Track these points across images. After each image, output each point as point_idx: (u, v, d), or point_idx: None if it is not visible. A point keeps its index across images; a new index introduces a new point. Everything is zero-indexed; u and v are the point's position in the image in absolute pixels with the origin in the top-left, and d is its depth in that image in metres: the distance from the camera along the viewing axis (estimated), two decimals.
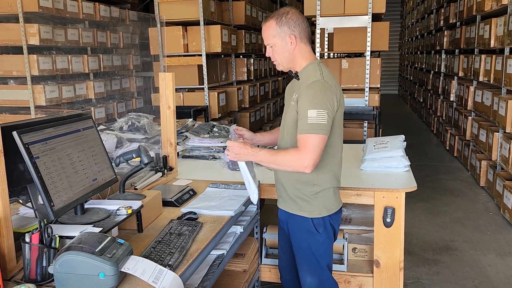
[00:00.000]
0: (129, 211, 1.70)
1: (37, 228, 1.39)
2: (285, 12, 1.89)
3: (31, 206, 1.65)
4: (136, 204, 1.77)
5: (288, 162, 1.84)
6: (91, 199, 1.81)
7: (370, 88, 4.70)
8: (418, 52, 10.65)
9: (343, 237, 2.61)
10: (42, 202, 1.52)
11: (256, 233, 2.63)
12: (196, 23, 4.93)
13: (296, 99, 1.88)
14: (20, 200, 1.67)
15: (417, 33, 10.82)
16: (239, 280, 2.35)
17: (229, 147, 1.93)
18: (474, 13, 5.51)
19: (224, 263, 2.00)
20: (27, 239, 1.37)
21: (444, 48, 7.43)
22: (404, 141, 2.76)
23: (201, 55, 4.99)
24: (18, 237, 1.43)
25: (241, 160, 1.94)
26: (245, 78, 6.25)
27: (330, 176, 1.96)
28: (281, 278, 2.28)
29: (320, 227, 1.96)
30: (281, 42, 1.89)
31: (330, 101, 1.81)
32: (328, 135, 1.82)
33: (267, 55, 1.96)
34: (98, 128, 3.08)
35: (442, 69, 7.67)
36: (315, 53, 4.78)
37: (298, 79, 1.94)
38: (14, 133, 1.43)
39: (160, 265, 1.43)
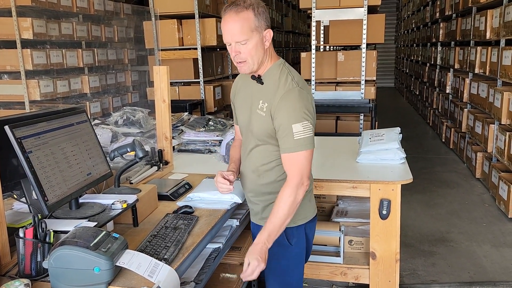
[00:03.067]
0: (124, 205, 1.69)
1: (31, 223, 1.38)
2: (255, 2, 1.63)
3: (25, 201, 1.64)
4: (131, 198, 1.76)
5: (291, 203, 1.61)
6: (86, 193, 1.80)
7: (366, 80, 4.70)
8: (414, 45, 10.64)
9: (340, 230, 2.61)
10: (36, 197, 1.51)
11: None
12: (191, 16, 4.90)
13: (268, 110, 1.66)
14: (14, 195, 1.66)
15: (413, 26, 10.80)
16: (235, 273, 2.35)
17: (250, 269, 1.57)
18: (470, 5, 5.50)
19: (220, 256, 2.00)
20: (21, 234, 1.36)
21: (440, 40, 7.42)
22: (400, 133, 2.76)
23: (196, 48, 4.97)
24: (12, 232, 1.42)
25: (265, 259, 1.59)
26: None
27: None
28: None
29: (293, 238, 1.77)
30: (258, 37, 1.62)
31: (310, 109, 1.65)
32: (314, 146, 1.67)
33: (234, 53, 1.64)
34: (93, 123, 3.06)
35: (438, 61, 7.67)
36: (310, 46, 4.80)
37: (262, 83, 1.70)
38: (6, 128, 1.42)
39: (156, 259, 1.43)
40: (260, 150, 1.75)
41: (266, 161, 1.74)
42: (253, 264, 1.56)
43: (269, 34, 1.65)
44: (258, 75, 1.72)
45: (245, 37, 1.60)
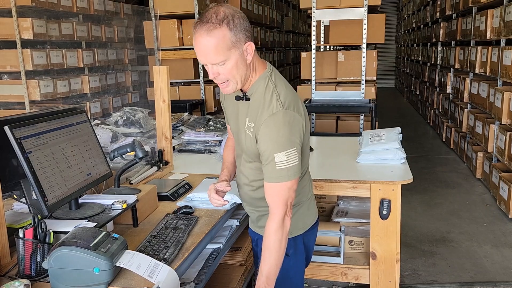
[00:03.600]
0: (124, 206, 1.69)
1: (31, 224, 1.38)
2: (229, 13, 1.42)
3: (25, 201, 1.64)
4: (131, 199, 1.76)
5: (280, 239, 1.50)
6: (86, 193, 1.80)
7: (366, 80, 4.70)
8: (415, 45, 10.63)
9: (340, 230, 2.61)
10: (36, 197, 1.51)
11: None
12: (191, 16, 4.90)
13: (253, 130, 1.53)
14: (14, 195, 1.66)
15: (414, 25, 10.80)
16: (236, 273, 2.35)
17: None
18: (470, 5, 5.50)
19: (220, 256, 2.00)
20: (21, 235, 1.36)
21: (441, 40, 7.42)
22: (400, 133, 2.76)
23: None
24: (12, 232, 1.42)
25: None
26: None
27: (303, 192, 1.71)
28: None
29: (290, 249, 1.65)
30: (238, 54, 1.44)
31: (297, 133, 1.49)
32: (300, 172, 1.54)
33: (212, 75, 1.48)
34: (93, 123, 3.06)
35: (439, 61, 7.66)
36: (310, 46, 4.79)
37: (249, 100, 1.56)
38: (6, 128, 1.42)
39: (156, 259, 1.42)
40: (252, 167, 1.64)
41: (258, 178, 1.63)
42: None
43: (250, 47, 1.46)
44: (244, 93, 1.56)
45: (222, 58, 1.42)
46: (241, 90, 1.58)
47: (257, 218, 1.76)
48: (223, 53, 1.41)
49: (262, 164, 1.53)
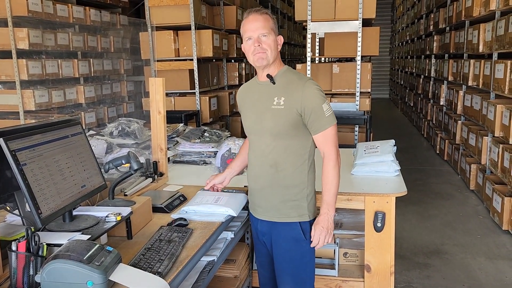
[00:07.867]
0: (118, 218, 1.68)
1: (24, 236, 1.37)
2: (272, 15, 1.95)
3: (18, 214, 1.63)
4: (125, 211, 1.75)
5: (338, 172, 1.93)
6: (80, 205, 1.79)
7: (361, 92, 4.73)
8: (409, 57, 10.74)
9: (334, 242, 2.61)
10: (29, 209, 1.50)
11: (247, 238, 2.62)
12: (187, 28, 4.93)
13: (288, 102, 1.86)
14: (7, 207, 1.64)
15: (408, 38, 10.91)
16: (230, 286, 2.34)
17: (316, 236, 1.90)
18: (463, 19, 5.58)
19: (214, 269, 1.99)
20: (14, 248, 1.35)
21: (434, 52, 7.50)
22: (394, 145, 2.78)
23: (192, 59, 4.99)
24: (5, 245, 1.41)
25: (331, 232, 1.92)
26: (237, 83, 6.25)
27: (313, 176, 2.00)
28: None
29: (308, 232, 1.93)
30: (274, 37, 1.90)
31: None
32: None
33: (257, 43, 1.86)
34: (88, 133, 3.06)
35: (432, 73, 7.74)
36: (306, 58, 4.83)
37: (274, 83, 1.91)
38: (0, 140, 1.42)
39: (150, 272, 1.42)
40: (276, 145, 1.89)
41: (284, 155, 1.90)
42: (318, 231, 1.88)
43: (280, 39, 1.92)
44: (270, 75, 1.93)
45: (267, 31, 1.87)
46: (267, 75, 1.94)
47: (280, 203, 1.92)
48: (267, 28, 1.87)
49: (313, 121, 1.86)
